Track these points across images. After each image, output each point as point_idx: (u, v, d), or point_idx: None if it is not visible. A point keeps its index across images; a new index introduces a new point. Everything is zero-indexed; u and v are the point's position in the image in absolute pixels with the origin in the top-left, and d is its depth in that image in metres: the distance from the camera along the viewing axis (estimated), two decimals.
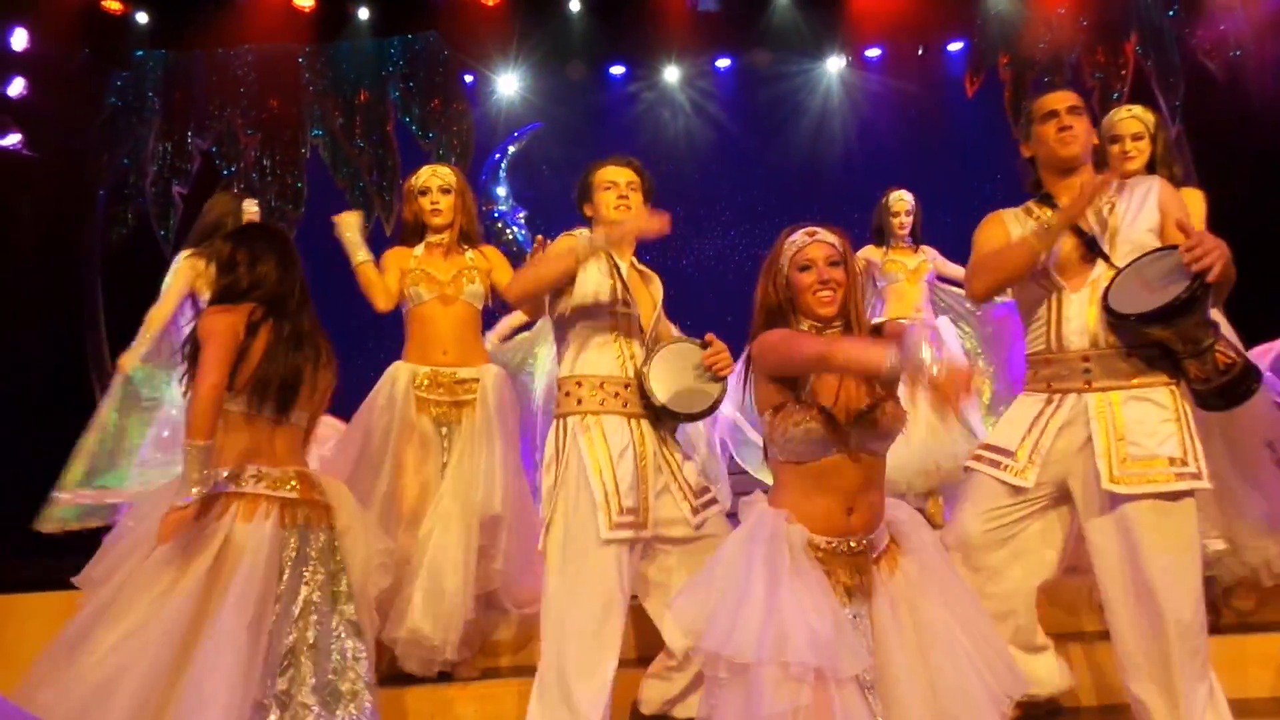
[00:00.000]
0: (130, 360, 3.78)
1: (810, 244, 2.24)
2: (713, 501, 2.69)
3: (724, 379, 2.61)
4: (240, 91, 7.12)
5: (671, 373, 2.55)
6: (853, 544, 2.06)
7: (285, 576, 2.40)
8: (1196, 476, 2.31)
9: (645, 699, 2.69)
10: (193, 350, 2.49)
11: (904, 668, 2.01)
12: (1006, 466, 2.46)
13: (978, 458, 2.54)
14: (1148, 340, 2.33)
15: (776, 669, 1.83)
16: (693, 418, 2.67)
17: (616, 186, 2.69)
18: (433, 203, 3.28)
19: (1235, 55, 7.41)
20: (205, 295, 3.87)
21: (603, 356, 2.57)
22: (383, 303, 3.27)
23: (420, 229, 3.33)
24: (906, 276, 4.35)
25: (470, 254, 3.32)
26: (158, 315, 3.79)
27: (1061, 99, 2.57)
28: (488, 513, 3.01)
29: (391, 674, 3.10)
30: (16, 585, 3.56)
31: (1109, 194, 2.53)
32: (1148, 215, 2.46)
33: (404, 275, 3.26)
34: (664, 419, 2.62)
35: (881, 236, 4.51)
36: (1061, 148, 2.52)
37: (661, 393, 2.52)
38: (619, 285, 2.61)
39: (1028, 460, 2.43)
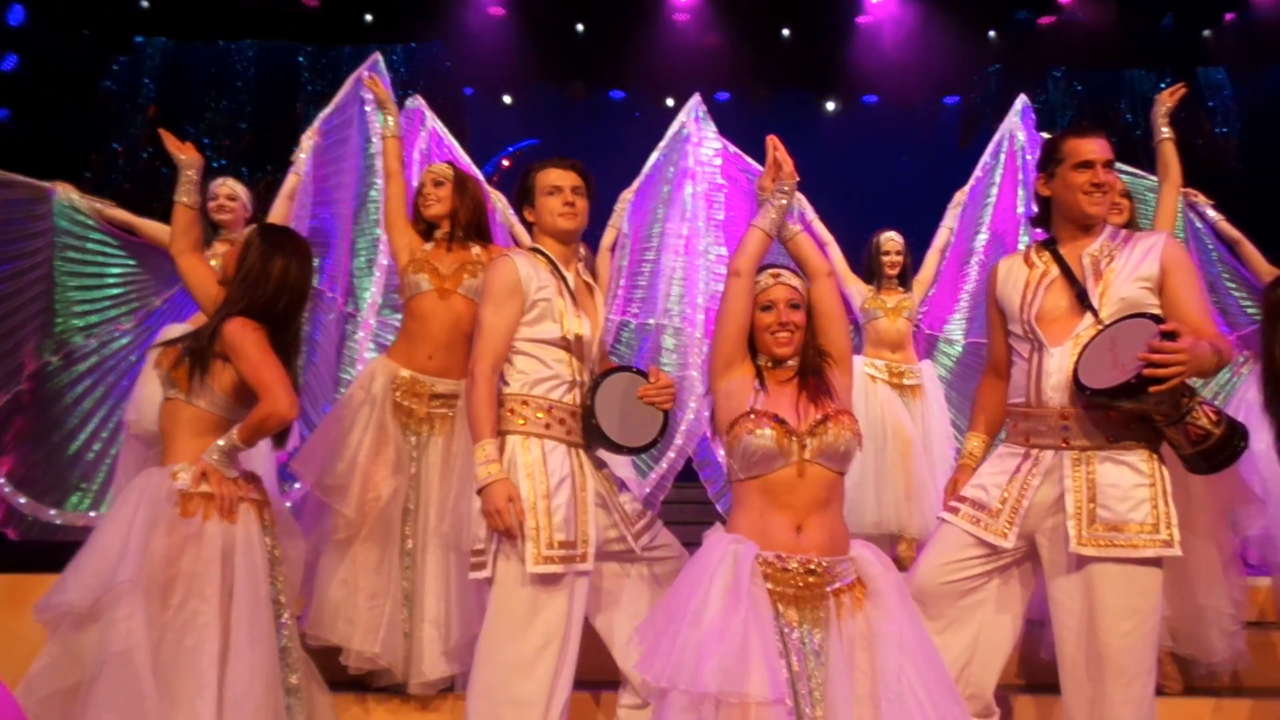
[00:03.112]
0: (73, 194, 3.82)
1: (774, 285, 2.26)
2: (651, 524, 2.59)
3: (666, 413, 2.53)
4: (238, 85, 7.11)
5: (617, 403, 2.47)
6: (801, 560, 2.06)
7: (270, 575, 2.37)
8: (1168, 544, 2.24)
9: None
10: (209, 347, 2.36)
11: (851, 714, 1.97)
12: (985, 524, 2.38)
13: (954, 510, 2.45)
14: (1119, 409, 2.24)
15: (681, 695, 1.91)
16: (635, 451, 2.60)
17: (561, 191, 2.51)
18: (425, 196, 3.22)
19: (1221, 133, 7.61)
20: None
21: (551, 379, 2.45)
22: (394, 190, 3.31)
23: (429, 229, 3.23)
24: (885, 314, 4.35)
25: (477, 250, 3.18)
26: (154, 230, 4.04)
27: (1100, 151, 2.39)
28: (456, 545, 2.87)
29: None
30: None
31: (1112, 244, 2.43)
32: (1146, 269, 2.34)
33: (410, 263, 3.19)
34: (600, 447, 2.52)
35: (872, 277, 4.53)
36: (1091, 206, 2.39)
37: (608, 424, 2.43)
38: (569, 305, 2.49)
39: (1007, 519, 2.36)
